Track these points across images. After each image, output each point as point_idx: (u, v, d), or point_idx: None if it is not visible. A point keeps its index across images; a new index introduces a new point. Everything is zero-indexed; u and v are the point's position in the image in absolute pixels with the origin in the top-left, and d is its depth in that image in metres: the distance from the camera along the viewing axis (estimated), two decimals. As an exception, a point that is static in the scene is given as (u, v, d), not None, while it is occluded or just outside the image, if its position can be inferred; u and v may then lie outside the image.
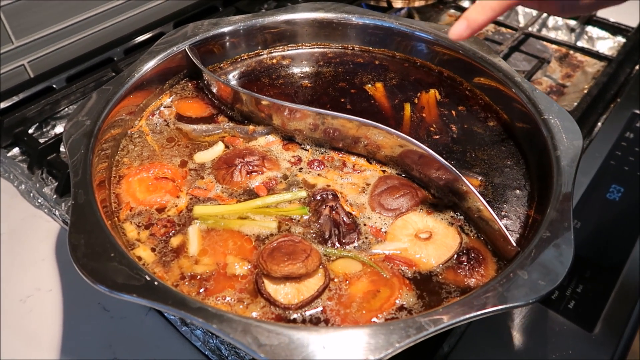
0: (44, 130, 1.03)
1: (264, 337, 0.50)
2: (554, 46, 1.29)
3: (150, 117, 0.85)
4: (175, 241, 0.67)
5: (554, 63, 1.25)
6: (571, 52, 1.28)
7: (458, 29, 0.54)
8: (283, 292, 0.61)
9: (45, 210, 0.90)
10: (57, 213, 0.88)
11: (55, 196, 0.89)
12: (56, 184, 0.90)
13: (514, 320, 0.75)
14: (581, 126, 1.03)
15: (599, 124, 1.07)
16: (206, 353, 0.70)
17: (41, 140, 0.96)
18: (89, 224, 0.59)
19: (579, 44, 1.32)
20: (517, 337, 0.74)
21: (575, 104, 1.08)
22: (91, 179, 0.65)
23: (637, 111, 1.10)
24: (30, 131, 1.01)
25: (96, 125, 0.72)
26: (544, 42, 1.29)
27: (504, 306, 0.54)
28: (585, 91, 1.12)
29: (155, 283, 0.54)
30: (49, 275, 0.80)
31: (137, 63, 0.84)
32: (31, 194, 0.91)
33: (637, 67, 1.21)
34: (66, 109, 1.06)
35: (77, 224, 0.59)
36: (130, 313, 0.75)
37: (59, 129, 1.04)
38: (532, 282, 0.56)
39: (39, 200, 0.90)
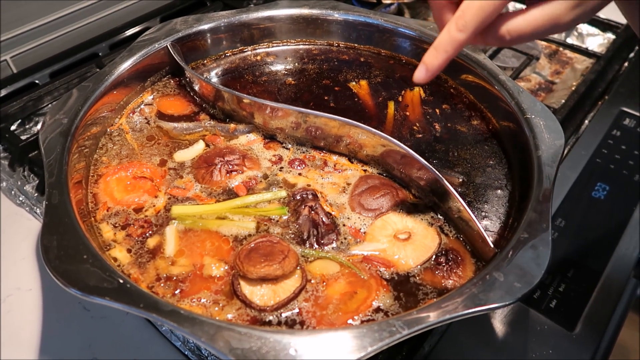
0: (27, 127, 1.02)
1: (235, 341, 0.50)
2: (544, 43, 1.28)
3: (131, 114, 0.84)
4: (152, 242, 0.66)
5: (543, 60, 1.25)
6: (561, 48, 1.27)
7: (418, 75, 0.58)
8: (259, 294, 0.61)
9: (27, 208, 0.89)
10: (38, 211, 0.87)
11: (36, 194, 0.88)
12: (38, 181, 0.89)
13: (495, 319, 0.75)
14: (568, 124, 1.03)
15: (586, 121, 1.06)
16: (186, 353, 0.70)
17: (23, 137, 0.95)
18: (63, 225, 0.59)
19: (569, 40, 1.31)
20: (499, 336, 0.74)
21: (563, 101, 1.08)
22: (67, 179, 0.64)
23: (625, 109, 1.09)
24: (13, 128, 1.00)
25: (73, 124, 0.71)
26: (534, 39, 1.28)
27: (478, 309, 0.54)
28: (574, 88, 1.12)
29: (128, 285, 0.54)
30: (29, 275, 0.79)
31: (118, 59, 0.83)
32: (12, 192, 0.90)
33: (625, 64, 1.20)
34: (49, 106, 1.05)
35: (50, 225, 0.58)
36: (111, 313, 0.75)
37: (42, 125, 1.03)
38: (508, 284, 0.56)
39: (20, 198, 0.90)
